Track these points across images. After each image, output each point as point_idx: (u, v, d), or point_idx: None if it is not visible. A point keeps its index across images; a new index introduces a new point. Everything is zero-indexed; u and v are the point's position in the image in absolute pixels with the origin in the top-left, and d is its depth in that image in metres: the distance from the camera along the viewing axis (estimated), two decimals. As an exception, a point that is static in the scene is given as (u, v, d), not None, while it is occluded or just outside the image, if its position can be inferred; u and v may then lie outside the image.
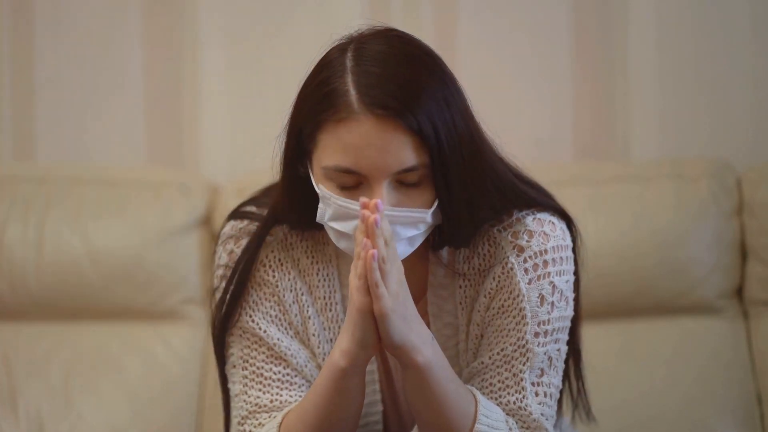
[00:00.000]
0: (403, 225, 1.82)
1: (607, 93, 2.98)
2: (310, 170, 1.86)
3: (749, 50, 2.95)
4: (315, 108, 1.81)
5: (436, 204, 1.83)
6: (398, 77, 1.80)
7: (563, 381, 2.02)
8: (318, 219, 1.85)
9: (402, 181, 1.81)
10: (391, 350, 1.81)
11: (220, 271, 2.00)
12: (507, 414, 1.90)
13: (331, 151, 1.80)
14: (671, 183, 2.77)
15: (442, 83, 1.83)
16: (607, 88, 2.98)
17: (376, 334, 1.79)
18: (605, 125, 2.99)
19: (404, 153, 1.79)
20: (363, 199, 1.77)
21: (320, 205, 1.85)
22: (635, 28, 2.97)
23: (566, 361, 2.00)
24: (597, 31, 2.97)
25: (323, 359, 1.96)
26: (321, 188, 1.83)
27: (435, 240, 1.90)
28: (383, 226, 1.76)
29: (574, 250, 1.95)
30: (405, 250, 1.84)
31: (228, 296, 1.97)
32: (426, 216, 1.82)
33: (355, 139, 1.79)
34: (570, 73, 2.98)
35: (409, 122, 1.78)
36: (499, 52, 2.99)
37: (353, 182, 1.81)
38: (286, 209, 1.92)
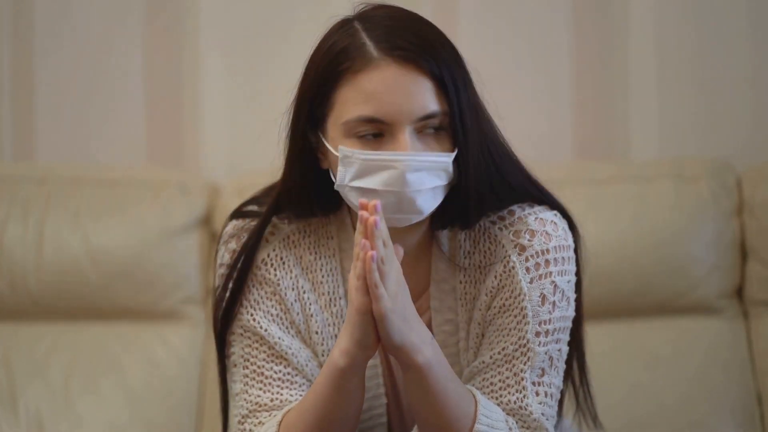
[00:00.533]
0: (429, 172, 1.82)
1: (607, 93, 2.98)
2: (324, 140, 1.86)
3: (749, 50, 2.95)
4: (329, 68, 1.82)
5: (456, 152, 1.83)
6: (412, 28, 1.83)
7: (567, 385, 2.03)
8: (337, 185, 1.85)
9: (423, 131, 1.82)
10: (390, 351, 1.81)
11: (222, 270, 2.00)
12: (507, 413, 1.90)
13: (352, 103, 1.81)
14: (671, 183, 2.77)
15: (454, 48, 1.85)
16: (607, 87, 2.98)
17: (375, 335, 1.79)
18: (605, 125, 2.99)
19: (427, 97, 1.80)
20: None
21: (340, 169, 1.84)
22: (635, 28, 2.97)
23: (570, 366, 2.01)
24: (597, 31, 2.98)
25: (327, 354, 1.96)
26: (342, 149, 1.83)
27: (438, 220, 1.90)
28: (381, 227, 1.76)
29: (575, 251, 1.96)
30: (430, 204, 1.83)
31: (228, 293, 1.97)
32: (448, 161, 1.82)
33: (376, 85, 1.80)
34: (570, 72, 2.99)
35: (431, 66, 1.80)
36: (499, 51, 2.99)
37: (378, 131, 1.81)
38: (290, 190, 1.92)
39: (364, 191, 1.82)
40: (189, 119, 3.02)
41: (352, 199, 1.85)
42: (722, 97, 2.96)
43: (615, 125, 2.99)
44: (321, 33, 1.87)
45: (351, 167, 1.83)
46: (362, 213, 1.75)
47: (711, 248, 2.73)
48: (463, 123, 1.82)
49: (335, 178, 1.85)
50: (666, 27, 2.96)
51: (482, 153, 1.85)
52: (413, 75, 1.80)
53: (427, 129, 1.82)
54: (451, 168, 1.83)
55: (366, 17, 1.85)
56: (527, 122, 2.98)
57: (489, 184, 1.87)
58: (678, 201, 2.75)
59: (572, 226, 1.96)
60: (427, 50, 1.80)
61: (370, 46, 1.80)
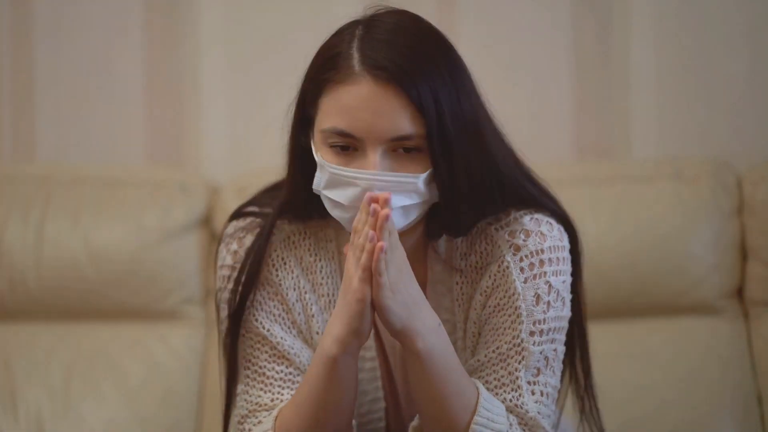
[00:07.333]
0: (395, 192, 1.81)
1: (607, 93, 2.98)
2: (311, 140, 1.87)
3: (749, 50, 2.95)
4: (319, 71, 1.83)
5: (428, 173, 1.82)
6: (404, 45, 1.81)
7: (567, 390, 2.03)
8: (314, 187, 1.86)
9: (397, 150, 1.82)
10: (393, 336, 1.82)
11: (224, 272, 2.00)
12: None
13: (330, 113, 1.81)
14: (671, 183, 2.77)
15: (450, 61, 1.84)
16: (607, 88, 2.98)
17: (371, 323, 1.80)
18: (605, 125, 2.99)
19: (400, 120, 1.79)
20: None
21: (317, 173, 1.85)
22: (635, 27, 2.97)
23: (575, 374, 2.01)
24: (597, 30, 2.98)
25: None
26: (318, 155, 1.84)
27: (433, 228, 1.90)
28: (391, 218, 1.76)
29: (572, 252, 1.95)
30: (399, 220, 1.83)
31: (238, 295, 1.96)
32: (417, 182, 1.82)
33: (353, 100, 1.79)
34: (570, 72, 2.99)
35: (408, 88, 1.78)
36: (499, 51, 2.99)
37: (348, 146, 1.81)
38: (291, 188, 1.92)
39: (334, 202, 1.83)
40: (189, 119, 3.02)
41: (327, 205, 1.86)
42: (722, 97, 2.96)
43: (615, 125, 2.99)
44: (331, 29, 1.88)
45: (324, 175, 1.84)
46: (374, 206, 1.75)
47: (711, 248, 2.73)
48: (444, 145, 1.81)
49: None
50: (666, 27, 2.96)
51: (471, 169, 1.84)
52: (390, 96, 1.79)
53: (401, 149, 1.82)
54: (423, 187, 1.83)
55: (372, 23, 1.85)
56: (527, 122, 2.98)
57: (481, 196, 1.87)
58: (678, 201, 2.75)
59: (571, 229, 1.96)
60: (411, 72, 1.79)
61: (356, 59, 1.80)
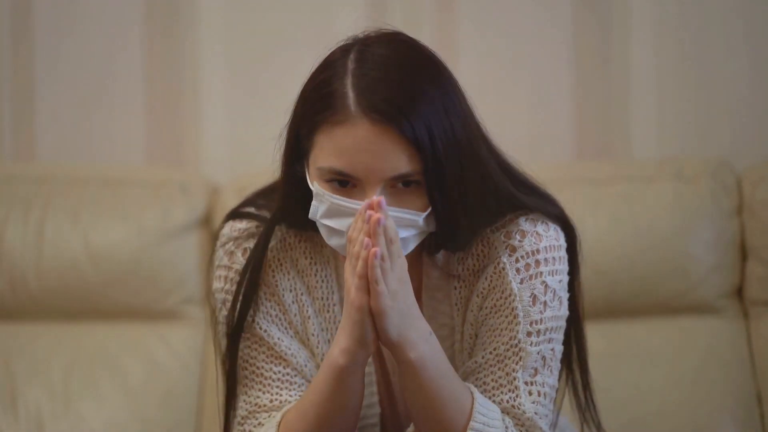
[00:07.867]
0: (395, 226, 1.81)
1: (607, 93, 2.98)
2: (306, 169, 1.87)
3: (748, 49, 2.95)
4: (313, 108, 1.82)
5: (429, 210, 1.83)
6: (397, 82, 1.81)
7: (566, 389, 2.03)
8: (310, 215, 1.86)
9: (395, 185, 1.82)
10: (386, 345, 1.82)
11: (220, 272, 2.00)
12: (501, 413, 1.90)
13: (327, 153, 1.81)
14: (671, 182, 2.77)
15: (443, 90, 1.83)
16: (607, 87, 2.98)
17: (375, 332, 1.80)
18: (605, 125, 2.99)
19: (398, 159, 1.80)
20: (367, 200, 1.77)
21: (313, 202, 1.85)
22: (635, 27, 2.97)
23: (572, 373, 2.01)
24: (597, 30, 2.98)
25: (322, 359, 1.97)
26: (315, 185, 1.84)
27: (432, 244, 1.91)
28: (388, 224, 1.76)
29: (569, 251, 1.95)
30: None
31: (240, 299, 1.96)
32: (418, 219, 1.83)
33: (350, 142, 1.79)
34: (570, 72, 2.98)
35: (404, 128, 1.78)
36: (499, 51, 2.99)
37: (347, 182, 1.82)
38: (286, 208, 1.93)
39: (333, 230, 1.84)
40: (189, 119, 3.02)
41: (323, 233, 1.86)
42: (722, 97, 2.96)
43: (615, 125, 2.99)
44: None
45: (322, 205, 1.84)
46: (369, 212, 1.76)
47: (711, 248, 2.73)
48: (439, 178, 1.81)
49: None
50: (666, 27, 2.96)
51: (468, 196, 1.84)
52: (387, 137, 1.79)
53: (400, 184, 1.82)
54: (421, 222, 1.83)
55: (364, 54, 1.83)
56: (528, 122, 2.98)
57: (479, 217, 1.87)
58: (678, 201, 2.75)
59: (569, 228, 1.96)
60: (406, 111, 1.78)
61: (351, 99, 1.79)
